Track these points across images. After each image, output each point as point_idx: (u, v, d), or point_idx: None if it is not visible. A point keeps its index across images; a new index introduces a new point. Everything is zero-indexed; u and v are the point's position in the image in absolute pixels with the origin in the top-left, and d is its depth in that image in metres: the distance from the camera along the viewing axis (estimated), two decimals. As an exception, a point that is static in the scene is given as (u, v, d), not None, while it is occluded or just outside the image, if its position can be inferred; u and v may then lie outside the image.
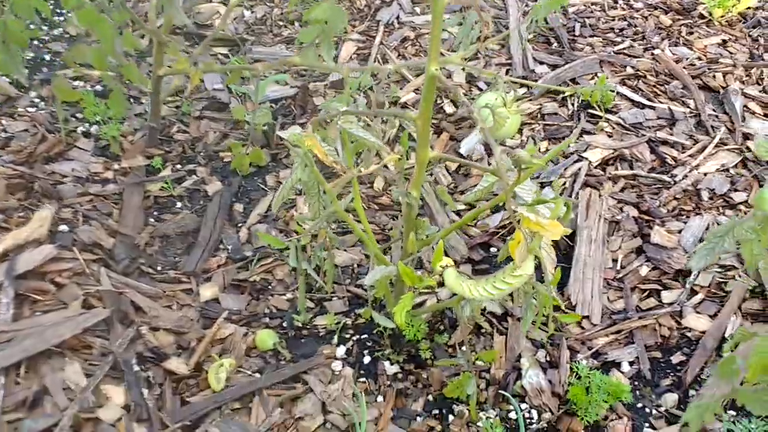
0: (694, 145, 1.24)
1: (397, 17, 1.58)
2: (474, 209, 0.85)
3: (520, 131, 1.31)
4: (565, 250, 1.15)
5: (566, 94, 1.27)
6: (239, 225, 1.21)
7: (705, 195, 1.17)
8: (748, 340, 0.70)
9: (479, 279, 0.80)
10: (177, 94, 1.44)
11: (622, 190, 1.19)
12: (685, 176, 1.19)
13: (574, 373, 0.96)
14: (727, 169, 1.23)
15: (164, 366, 0.94)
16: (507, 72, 1.42)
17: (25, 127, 1.33)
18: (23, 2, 0.99)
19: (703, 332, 1.02)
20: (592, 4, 1.59)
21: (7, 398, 0.83)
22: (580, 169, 1.21)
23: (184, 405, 0.89)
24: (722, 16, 1.52)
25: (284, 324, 1.05)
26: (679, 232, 1.12)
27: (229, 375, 0.94)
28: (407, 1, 1.61)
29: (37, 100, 1.42)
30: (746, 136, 1.25)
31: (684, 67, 1.40)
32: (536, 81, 1.36)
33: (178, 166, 1.31)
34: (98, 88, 1.46)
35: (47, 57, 1.54)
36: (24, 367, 0.87)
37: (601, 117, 1.28)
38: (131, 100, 1.43)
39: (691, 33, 1.51)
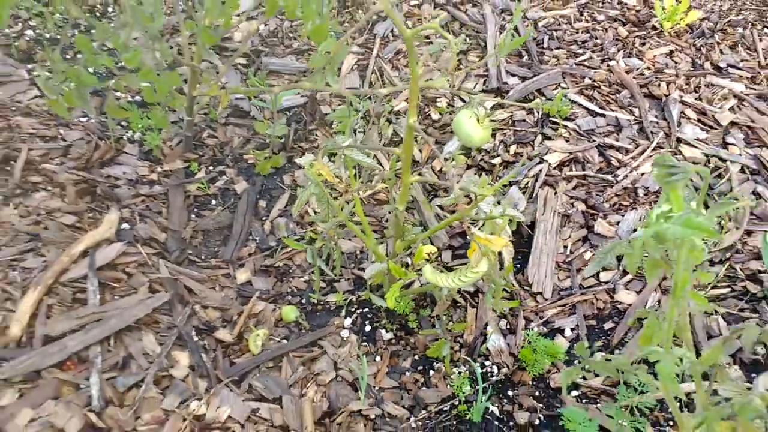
0: (635, 149, 1.50)
1: (392, 30, 1.82)
2: (444, 220, 1.12)
3: (493, 135, 1.57)
4: (527, 239, 1.42)
5: (530, 106, 1.52)
6: (263, 219, 1.49)
7: (641, 192, 1.44)
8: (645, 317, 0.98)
9: (449, 273, 1.08)
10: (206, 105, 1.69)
11: (574, 188, 1.46)
12: (626, 176, 1.45)
13: (526, 339, 1.25)
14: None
15: (215, 336, 1.23)
16: (484, 83, 1.67)
17: (80, 135, 1.59)
18: (94, 59, 1.25)
19: (630, 305, 1.30)
20: (561, 17, 1.82)
21: (104, 362, 1.13)
22: (540, 170, 1.48)
23: (232, 365, 1.19)
24: (672, 28, 1.75)
25: (303, 301, 1.34)
26: (618, 223, 1.40)
27: (263, 342, 1.23)
28: (400, 16, 1.85)
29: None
30: (679, 140, 1.51)
31: (634, 77, 1.64)
32: (509, 91, 1.61)
33: (211, 168, 1.57)
34: (138, 98, 1.71)
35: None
36: (113, 339, 1.16)
37: (558, 126, 1.54)
38: (167, 109, 1.68)
39: (644, 44, 1.74)
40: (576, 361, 1.21)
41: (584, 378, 1.19)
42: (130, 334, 1.17)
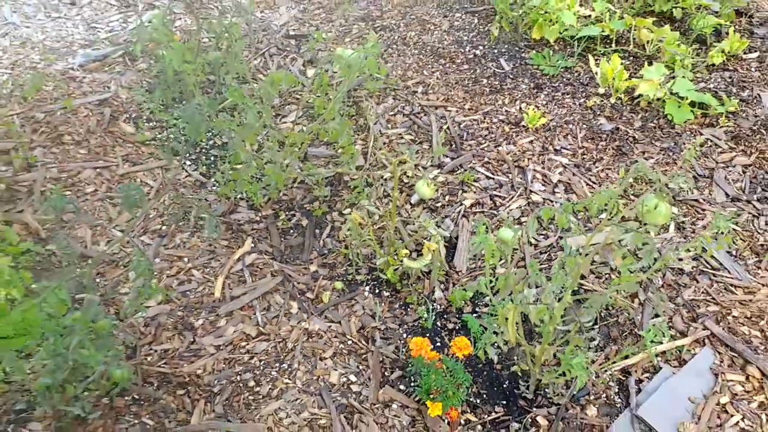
0: (509, 197, 2.89)
1: (379, 131, 3.19)
2: (412, 236, 2.49)
3: (437, 191, 2.94)
4: (454, 244, 2.79)
5: (456, 175, 2.91)
6: (317, 239, 2.83)
7: (511, 219, 2.82)
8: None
9: (415, 261, 2.45)
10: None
11: (476, 216, 2.84)
12: (505, 210, 2.84)
13: (452, 292, 2.62)
14: (521, 207, 2.88)
15: (306, 296, 2.56)
16: (430, 161, 3.05)
17: (215, 197, 2.91)
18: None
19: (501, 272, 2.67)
20: (473, 120, 3.21)
21: (261, 308, 2.46)
22: (461, 209, 2.86)
23: (316, 308, 2.53)
24: (533, 126, 3.16)
25: (345, 279, 2.68)
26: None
27: (329, 298, 2.57)
28: (384, 122, 3.22)
29: (215, 184, 2.99)
30: (531, 191, 2.91)
31: (510, 156, 3.04)
32: (444, 166, 2.99)
33: (287, 213, 2.91)
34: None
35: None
36: (260, 297, 2.50)
37: (470, 185, 2.93)
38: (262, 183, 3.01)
39: (517, 136, 3.15)
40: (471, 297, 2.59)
41: (476, 308, 2.57)
42: (268, 295, 2.51)
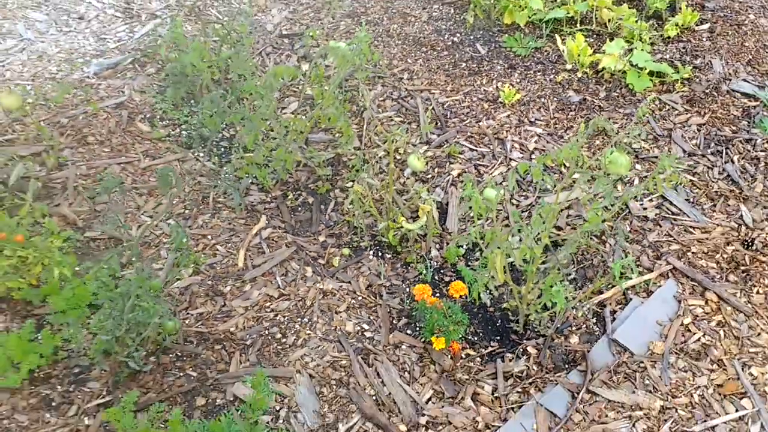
0: (492, 165, 3.25)
1: (372, 115, 3.53)
2: (408, 202, 2.84)
3: (427, 164, 3.29)
4: (446, 209, 3.13)
5: (443, 149, 3.26)
6: (323, 214, 3.16)
7: (493, 182, 3.17)
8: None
9: (412, 223, 2.79)
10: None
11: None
12: (488, 176, 3.19)
13: (447, 249, 2.96)
14: (502, 173, 3.23)
15: (318, 261, 2.90)
16: (419, 139, 3.40)
17: (228, 183, 3.24)
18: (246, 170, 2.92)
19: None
20: (455, 100, 3.56)
21: (281, 274, 2.80)
22: (449, 178, 3.20)
23: (328, 271, 2.87)
24: (509, 102, 3.51)
25: (350, 246, 3.02)
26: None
27: (339, 261, 2.91)
28: (375, 107, 3.57)
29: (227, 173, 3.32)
30: (510, 159, 3.26)
31: (490, 129, 3.40)
32: (431, 142, 3.34)
33: (295, 192, 3.24)
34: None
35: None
36: (279, 265, 2.83)
37: (456, 157, 3.27)
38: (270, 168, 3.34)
39: (495, 111, 3.50)
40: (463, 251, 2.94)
41: (468, 262, 2.92)
42: (285, 263, 2.85)
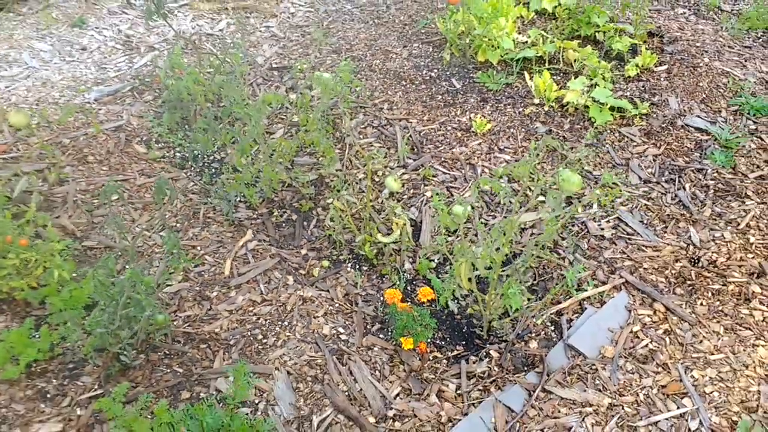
0: (463, 188, 3.51)
1: (353, 141, 3.81)
2: (383, 219, 3.09)
3: (403, 186, 3.55)
4: (419, 225, 3.38)
5: (419, 172, 3.53)
6: (306, 230, 3.40)
7: (461, 199, 3.43)
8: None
9: (387, 237, 3.03)
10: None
11: (438, 205, 3.44)
12: (459, 196, 3.45)
13: (420, 263, 3.19)
14: (472, 195, 3.50)
15: (299, 272, 3.12)
16: (396, 162, 3.67)
17: (218, 201, 3.48)
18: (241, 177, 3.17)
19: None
20: (431, 129, 3.85)
21: (264, 282, 3.02)
22: (424, 198, 3.46)
23: (308, 280, 3.09)
24: (481, 132, 3.80)
25: (329, 259, 3.24)
26: (455, 218, 3.38)
27: (318, 272, 3.14)
28: (356, 134, 3.84)
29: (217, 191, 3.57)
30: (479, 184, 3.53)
31: (462, 155, 3.67)
32: (408, 166, 3.61)
33: (280, 210, 3.48)
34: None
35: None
36: (263, 274, 3.05)
37: (430, 180, 3.54)
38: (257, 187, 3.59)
39: (468, 139, 3.79)
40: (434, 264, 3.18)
41: (438, 275, 3.15)
42: (269, 272, 3.07)
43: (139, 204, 3.34)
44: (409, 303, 2.92)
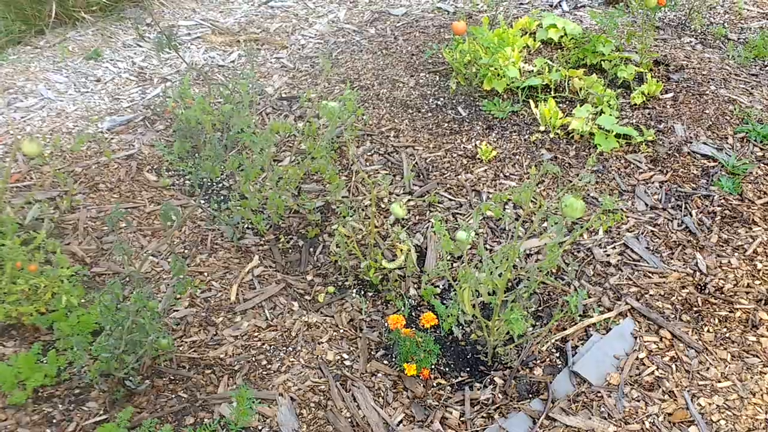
0: (468, 214, 3.53)
1: (360, 168, 3.85)
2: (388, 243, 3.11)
3: (408, 212, 3.57)
4: (425, 253, 3.39)
5: (425, 198, 3.56)
6: (312, 256, 3.42)
7: (465, 225, 3.44)
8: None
9: (391, 262, 3.05)
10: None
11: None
12: (464, 222, 3.47)
13: (425, 289, 3.20)
14: (485, 218, 3.51)
15: (304, 297, 3.14)
16: (402, 189, 3.70)
17: (225, 228, 3.52)
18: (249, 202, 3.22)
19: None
20: (436, 156, 3.89)
21: (269, 307, 3.04)
22: (430, 223, 3.48)
23: (313, 306, 3.10)
24: (486, 158, 3.84)
25: (335, 285, 3.26)
26: (460, 244, 3.39)
27: (324, 297, 3.15)
28: (363, 161, 3.89)
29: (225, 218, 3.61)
30: (481, 209, 3.54)
31: (468, 182, 3.70)
32: (414, 192, 3.64)
33: (286, 236, 3.52)
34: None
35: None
36: (268, 300, 3.07)
37: (436, 206, 3.57)
38: (264, 213, 3.63)
39: (473, 166, 3.82)
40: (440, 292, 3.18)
41: (443, 300, 3.15)
42: (274, 298, 3.09)
43: (148, 231, 3.39)
44: (413, 329, 2.93)
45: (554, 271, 3.11)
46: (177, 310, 2.97)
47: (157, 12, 5.47)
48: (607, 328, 2.92)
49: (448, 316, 2.77)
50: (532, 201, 2.46)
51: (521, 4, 5.82)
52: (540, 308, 3.05)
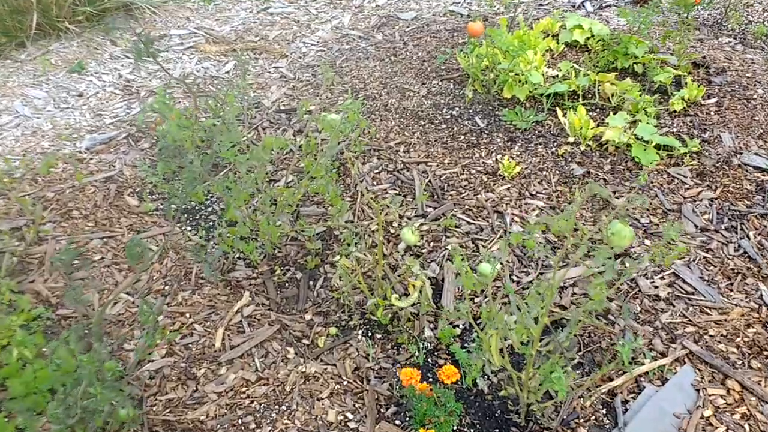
0: (490, 239, 3.07)
1: (366, 188, 3.41)
2: (398, 277, 2.65)
3: (422, 238, 3.12)
4: (441, 285, 2.94)
5: (438, 222, 3.10)
6: (311, 290, 2.98)
7: (488, 256, 2.98)
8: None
9: (402, 300, 2.60)
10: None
11: (462, 260, 3.00)
12: (486, 251, 3.01)
13: (442, 330, 2.74)
14: (501, 248, 3.05)
15: (302, 341, 2.69)
16: (414, 212, 3.25)
17: (213, 259, 3.09)
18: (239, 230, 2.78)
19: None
20: (452, 173, 3.44)
21: (260, 355, 2.59)
22: (446, 251, 3.03)
23: (312, 352, 2.65)
24: (509, 175, 3.38)
25: (337, 325, 2.81)
26: (482, 276, 2.93)
27: (324, 341, 2.70)
28: (370, 179, 3.45)
29: (214, 246, 3.18)
30: (510, 233, 3.08)
31: (489, 202, 3.24)
32: (427, 215, 3.19)
33: (283, 268, 3.08)
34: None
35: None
36: (259, 345, 2.62)
37: (452, 231, 3.11)
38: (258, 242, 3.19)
39: (494, 184, 3.36)
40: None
41: (464, 344, 2.69)
42: (266, 343, 2.64)
43: (125, 264, 2.96)
44: (430, 381, 2.46)
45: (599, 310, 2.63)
46: (152, 361, 2.53)
47: (148, 21, 5.08)
48: (663, 378, 2.44)
49: (472, 366, 2.30)
50: (572, 230, 2.00)
51: (541, 5, 5.38)
52: (580, 353, 2.57)
